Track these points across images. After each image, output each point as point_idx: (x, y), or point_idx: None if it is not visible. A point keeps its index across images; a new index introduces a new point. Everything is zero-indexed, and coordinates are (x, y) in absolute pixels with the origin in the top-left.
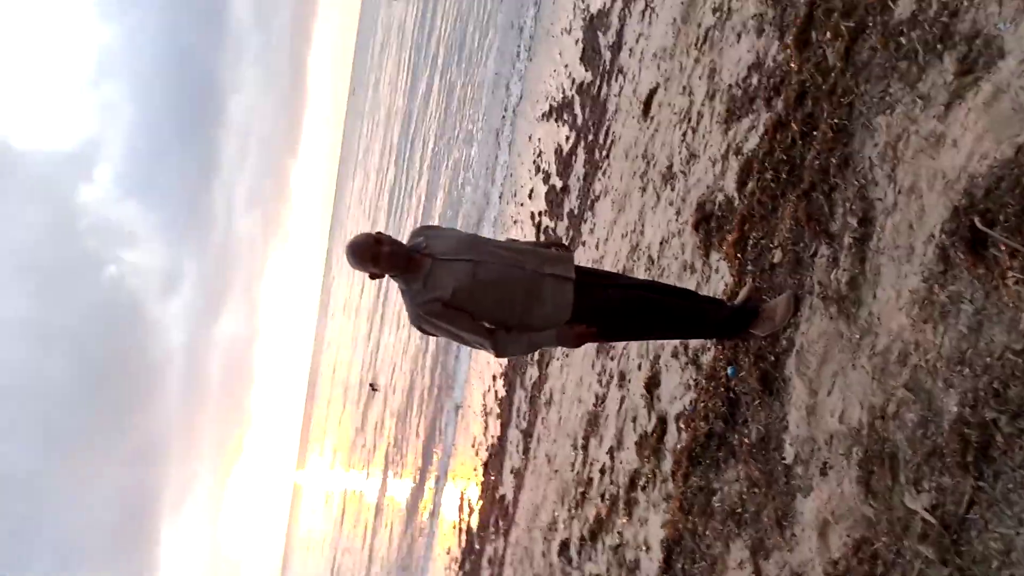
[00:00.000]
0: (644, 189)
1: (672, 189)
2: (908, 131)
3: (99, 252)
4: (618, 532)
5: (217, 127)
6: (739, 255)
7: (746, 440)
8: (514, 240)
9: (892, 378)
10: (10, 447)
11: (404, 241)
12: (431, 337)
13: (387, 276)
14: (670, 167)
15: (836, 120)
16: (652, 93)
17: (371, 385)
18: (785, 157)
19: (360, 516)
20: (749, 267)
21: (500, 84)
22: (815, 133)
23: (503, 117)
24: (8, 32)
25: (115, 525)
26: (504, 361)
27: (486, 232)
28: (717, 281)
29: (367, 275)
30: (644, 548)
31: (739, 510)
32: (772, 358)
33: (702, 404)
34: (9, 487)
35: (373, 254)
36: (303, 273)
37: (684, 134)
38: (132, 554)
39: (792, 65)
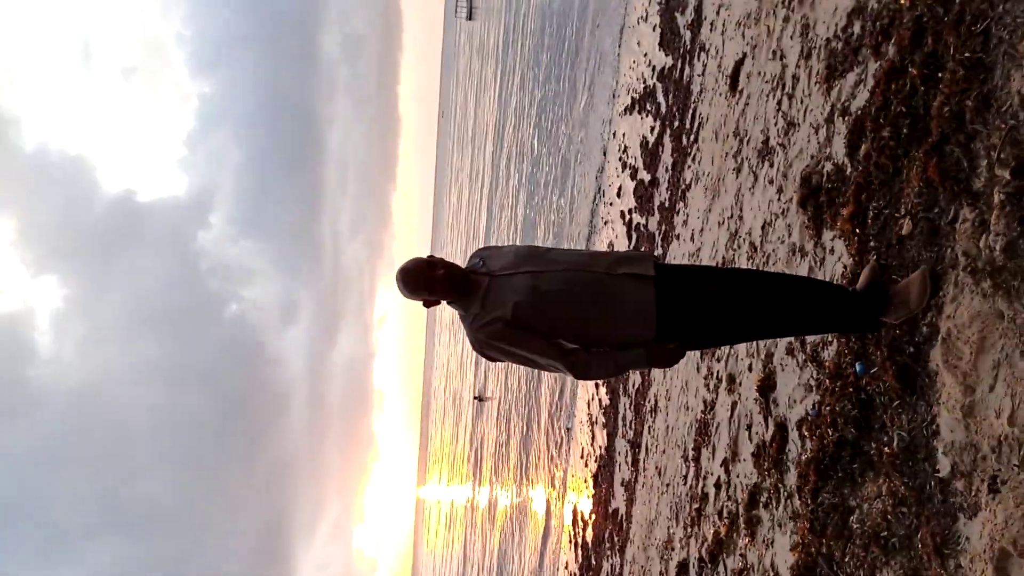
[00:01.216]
0: (739, 170)
1: (771, 165)
2: None
3: (220, 292)
4: (740, 555)
5: (317, 160)
6: (857, 230)
7: (886, 449)
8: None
9: None
10: (157, 484)
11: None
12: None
13: (444, 303)
14: (766, 141)
15: (968, 54)
16: (739, 65)
17: (477, 396)
18: (905, 109)
19: (481, 530)
20: (871, 243)
21: (582, 89)
22: (941, 75)
23: (584, 121)
24: (120, 94)
25: (253, 551)
26: None
27: (578, 240)
28: (833, 263)
29: (421, 303)
30: (772, 574)
31: (884, 533)
32: (911, 349)
33: (828, 408)
34: (159, 520)
35: (428, 279)
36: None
37: (779, 103)
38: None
39: (902, 1)
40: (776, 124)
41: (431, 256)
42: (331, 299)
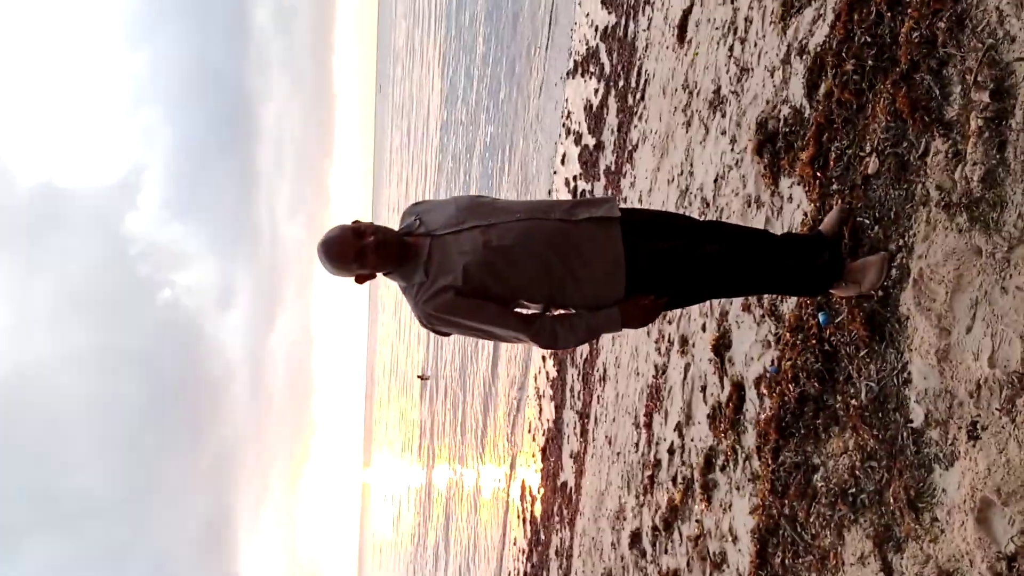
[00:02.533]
0: (688, 123)
1: (723, 116)
2: None
3: (152, 277)
4: (696, 520)
5: (252, 138)
6: (818, 174)
7: (853, 401)
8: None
9: None
10: (93, 475)
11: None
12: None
13: (380, 275)
14: (717, 91)
15: None
16: (686, 14)
17: (420, 376)
18: (870, 39)
19: (429, 510)
20: (834, 186)
21: (524, 54)
22: None
23: (526, 86)
24: (38, 73)
25: (198, 537)
26: None
27: None
28: (792, 212)
29: (353, 279)
30: (731, 538)
31: (852, 490)
32: (879, 294)
33: (788, 363)
34: (97, 512)
35: (356, 250)
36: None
37: (730, 49)
38: (215, 564)
39: None
40: (728, 72)
41: (356, 222)
42: (269, 280)
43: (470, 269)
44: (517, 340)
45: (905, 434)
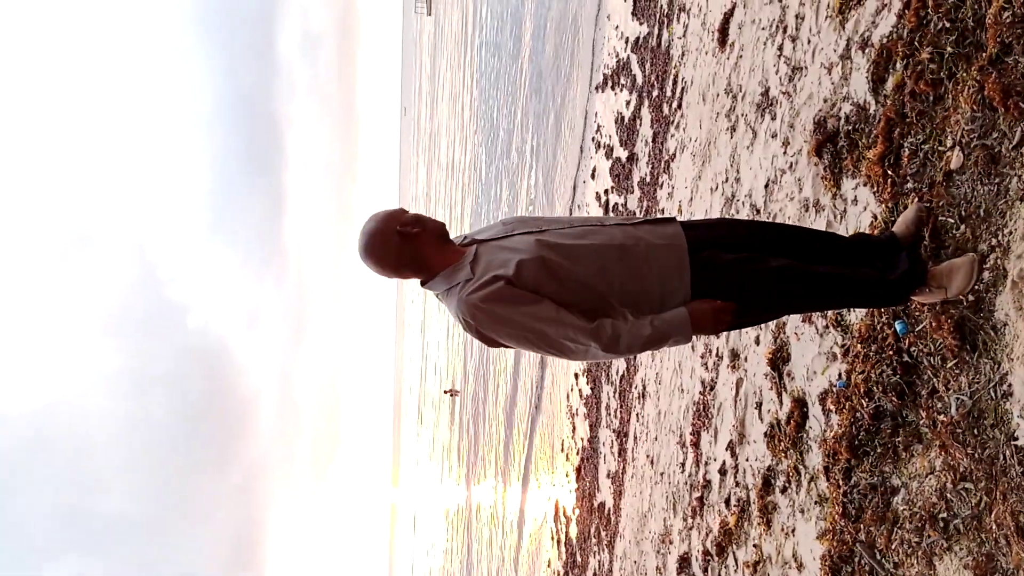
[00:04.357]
0: (733, 129)
1: (772, 118)
2: None
3: (181, 300)
4: (754, 545)
5: (279, 162)
6: (889, 172)
7: (941, 417)
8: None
9: None
10: (123, 496)
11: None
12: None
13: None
14: (766, 93)
15: None
16: (728, 17)
17: (448, 391)
18: (948, 24)
19: (457, 531)
20: (909, 184)
21: (549, 72)
22: None
23: (553, 103)
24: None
25: (226, 555)
26: None
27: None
28: (857, 215)
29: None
30: (795, 565)
31: (943, 514)
32: (969, 299)
33: (860, 376)
34: (125, 533)
35: (398, 248)
36: (377, 294)
37: (780, 48)
38: None
39: None
40: (777, 72)
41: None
42: (297, 302)
43: (524, 263)
44: (570, 345)
45: (1008, 452)
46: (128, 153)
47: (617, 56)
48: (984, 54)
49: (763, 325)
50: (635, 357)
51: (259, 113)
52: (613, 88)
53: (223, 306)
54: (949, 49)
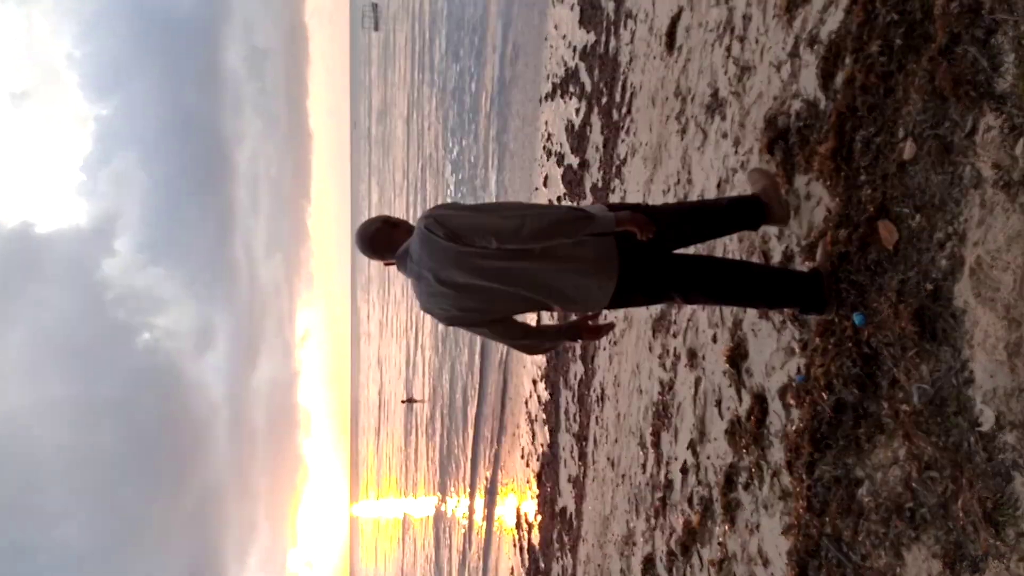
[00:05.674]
0: (683, 131)
1: (722, 119)
2: None
3: (130, 322)
4: (719, 543)
5: (227, 179)
6: (842, 166)
7: (903, 407)
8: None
9: None
10: (73, 527)
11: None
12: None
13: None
14: (715, 94)
15: None
16: (675, 20)
17: (406, 400)
18: (897, 17)
19: (419, 543)
20: (862, 177)
21: (496, 82)
22: None
23: (503, 113)
24: (12, 122)
25: None
26: (542, 363)
27: None
28: (811, 209)
29: (382, 264)
30: (760, 562)
31: (909, 504)
32: (928, 287)
33: (819, 369)
34: (76, 566)
35: (387, 241)
36: (331, 310)
37: (728, 49)
38: None
39: None
40: (726, 73)
41: (387, 216)
42: (249, 321)
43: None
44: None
45: (972, 439)
46: (72, 172)
47: (565, 65)
48: (933, 44)
49: (719, 323)
50: (591, 360)
51: (205, 130)
52: (562, 96)
53: (173, 327)
54: (898, 41)
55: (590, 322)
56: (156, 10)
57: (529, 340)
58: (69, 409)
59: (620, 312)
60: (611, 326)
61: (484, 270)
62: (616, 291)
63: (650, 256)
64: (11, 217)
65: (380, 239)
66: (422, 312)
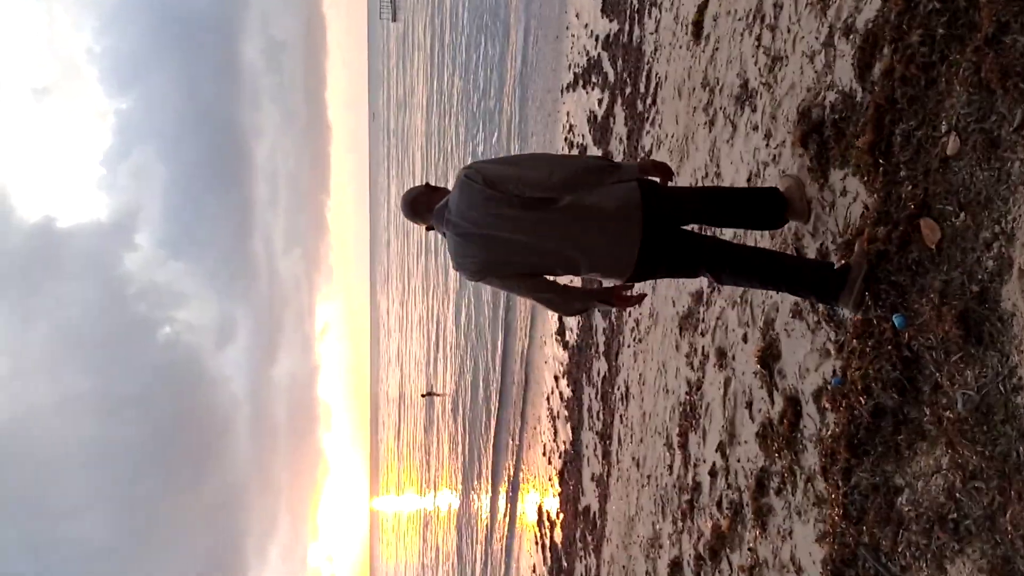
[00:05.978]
0: (711, 123)
1: (753, 110)
2: None
3: (151, 316)
4: (749, 549)
5: (246, 174)
6: (880, 160)
7: (947, 413)
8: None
9: None
10: (92, 522)
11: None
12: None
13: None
14: (744, 85)
15: None
16: (702, 9)
17: (425, 394)
18: (939, 5)
19: (440, 538)
20: (902, 173)
21: (517, 73)
22: None
23: (523, 104)
24: (34, 117)
25: None
26: (564, 359)
27: None
28: (847, 205)
29: (424, 228)
30: (793, 569)
31: (953, 515)
32: (974, 289)
33: (857, 372)
34: (96, 560)
35: (428, 203)
36: (351, 304)
37: (758, 38)
38: None
39: None
40: (756, 63)
41: (427, 184)
42: (269, 315)
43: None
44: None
45: (1021, 449)
46: (93, 167)
47: (587, 54)
48: (979, 34)
49: (750, 323)
50: (616, 357)
51: (224, 124)
52: (584, 87)
53: (194, 321)
54: (940, 31)
55: (624, 292)
56: (174, 3)
57: (559, 296)
58: (90, 403)
59: (647, 304)
60: (643, 296)
61: (515, 219)
62: (640, 254)
63: (673, 222)
64: (33, 212)
65: (421, 201)
66: (454, 271)
